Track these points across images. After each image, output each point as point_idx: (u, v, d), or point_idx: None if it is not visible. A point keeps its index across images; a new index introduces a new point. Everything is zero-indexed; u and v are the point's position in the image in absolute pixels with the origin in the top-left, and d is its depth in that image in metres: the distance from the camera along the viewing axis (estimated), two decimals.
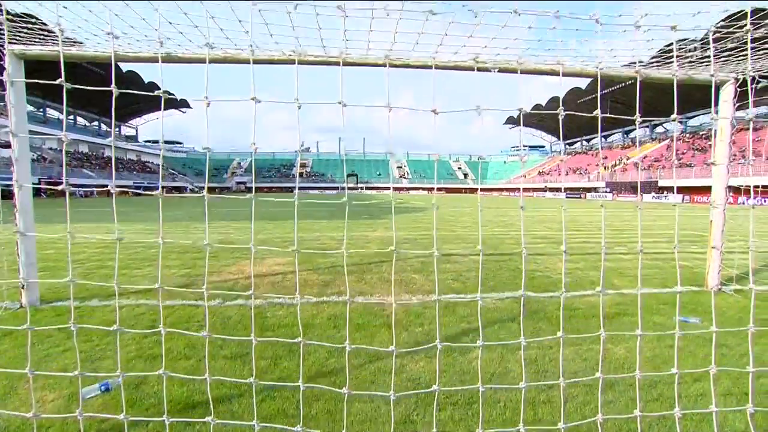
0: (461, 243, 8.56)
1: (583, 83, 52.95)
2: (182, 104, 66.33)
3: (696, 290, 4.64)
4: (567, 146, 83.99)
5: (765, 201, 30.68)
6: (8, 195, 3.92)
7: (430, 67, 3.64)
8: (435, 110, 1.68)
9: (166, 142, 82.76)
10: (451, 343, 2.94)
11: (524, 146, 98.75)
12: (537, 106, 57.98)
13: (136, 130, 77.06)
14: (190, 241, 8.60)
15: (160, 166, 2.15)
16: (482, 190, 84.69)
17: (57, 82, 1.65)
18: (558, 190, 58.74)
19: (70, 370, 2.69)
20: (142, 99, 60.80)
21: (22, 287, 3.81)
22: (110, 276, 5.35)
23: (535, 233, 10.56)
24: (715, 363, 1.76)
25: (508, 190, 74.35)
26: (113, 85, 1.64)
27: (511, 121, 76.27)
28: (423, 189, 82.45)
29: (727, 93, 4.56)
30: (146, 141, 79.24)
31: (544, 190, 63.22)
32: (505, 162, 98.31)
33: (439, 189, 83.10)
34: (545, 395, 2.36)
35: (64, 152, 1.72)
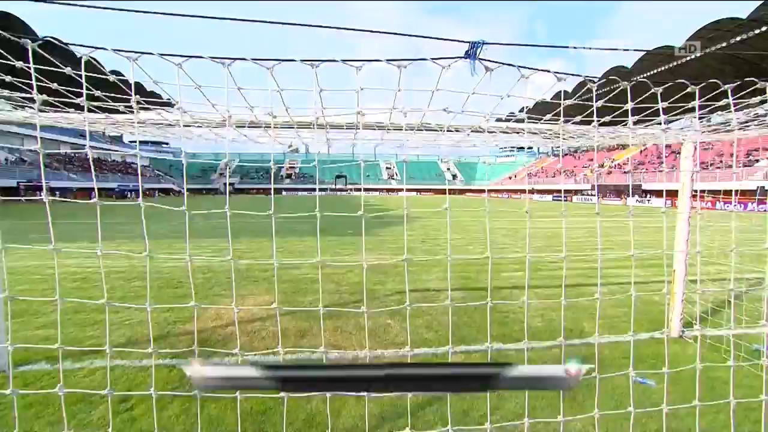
0: (441, 272, 8.49)
1: (569, 87, 53.80)
2: (169, 103, 65.22)
3: (658, 337, 4.83)
4: (555, 148, 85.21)
5: (738, 206, 31.62)
6: None
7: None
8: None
9: (153, 143, 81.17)
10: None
11: (512, 147, 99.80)
12: (524, 109, 58.86)
13: None
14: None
15: (98, 210, 2.18)
16: (472, 191, 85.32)
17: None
18: (547, 191, 59.59)
19: None
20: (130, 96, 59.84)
21: None
22: (88, 324, 5.29)
23: (515, 255, 10.70)
24: None
25: (497, 191, 75.13)
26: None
27: (500, 122, 76.91)
28: (412, 190, 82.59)
29: (687, 150, 4.77)
30: (131, 141, 77.61)
31: (532, 192, 64.12)
32: (490, 164, 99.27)
33: (426, 190, 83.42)
34: None
35: None
